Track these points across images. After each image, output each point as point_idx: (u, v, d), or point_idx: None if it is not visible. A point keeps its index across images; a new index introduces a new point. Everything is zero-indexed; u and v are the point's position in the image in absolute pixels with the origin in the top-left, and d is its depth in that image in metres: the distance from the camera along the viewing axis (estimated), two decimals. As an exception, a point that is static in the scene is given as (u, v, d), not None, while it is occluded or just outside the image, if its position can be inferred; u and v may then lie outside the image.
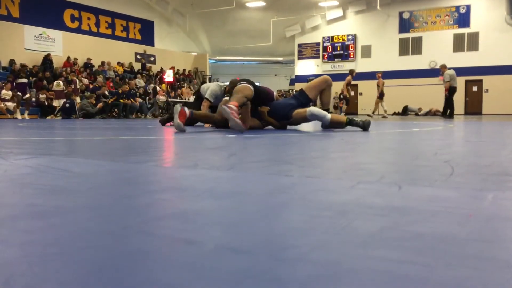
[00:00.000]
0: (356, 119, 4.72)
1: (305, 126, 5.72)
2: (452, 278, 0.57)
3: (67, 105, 14.38)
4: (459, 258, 0.65)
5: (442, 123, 7.89)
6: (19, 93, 14.27)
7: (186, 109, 4.51)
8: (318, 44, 26.81)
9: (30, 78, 16.09)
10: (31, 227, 0.84)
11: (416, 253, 0.68)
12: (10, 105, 13.55)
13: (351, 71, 14.46)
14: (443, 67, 13.27)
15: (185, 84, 21.81)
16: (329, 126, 4.78)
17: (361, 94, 24.73)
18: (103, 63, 19.48)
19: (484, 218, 0.91)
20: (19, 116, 13.42)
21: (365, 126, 4.57)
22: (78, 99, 15.09)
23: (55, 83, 15.66)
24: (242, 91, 4.71)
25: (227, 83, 5.79)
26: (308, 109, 4.77)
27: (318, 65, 26.75)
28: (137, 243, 0.73)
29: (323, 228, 0.82)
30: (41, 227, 0.84)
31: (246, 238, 0.77)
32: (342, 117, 4.81)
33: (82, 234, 0.79)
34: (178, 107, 4.54)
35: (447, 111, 13.10)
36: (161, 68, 22.41)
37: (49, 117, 14.26)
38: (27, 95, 14.59)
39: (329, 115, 4.69)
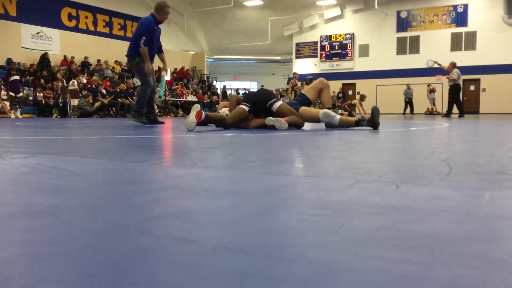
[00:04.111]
0: (365, 118, 4.78)
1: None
2: (449, 277, 0.57)
3: (61, 104, 14.40)
4: (457, 257, 0.65)
5: (439, 122, 7.90)
6: (11, 93, 14.20)
7: (203, 111, 4.65)
8: (316, 43, 26.83)
9: (27, 76, 16.05)
10: (29, 226, 0.84)
11: (413, 252, 0.68)
12: (6, 104, 13.51)
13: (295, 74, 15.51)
14: (453, 64, 13.19)
15: (180, 83, 21.75)
16: (338, 126, 4.84)
17: (358, 93, 24.80)
18: (99, 61, 19.42)
19: (482, 217, 0.91)
20: (13, 115, 13.37)
21: (374, 125, 4.62)
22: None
23: (70, 83, 15.76)
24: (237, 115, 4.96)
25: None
26: (322, 110, 4.87)
27: (316, 64, 26.78)
28: (135, 242, 0.73)
29: (321, 227, 0.83)
30: (39, 226, 0.84)
31: (244, 237, 0.77)
32: (351, 119, 4.87)
33: (80, 233, 0.79)
34: (198, 106, 4.70)
35: (462, 111, 13.11)
36: (158, 67, 22.38)
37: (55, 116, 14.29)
38: (21, 94, 14.51)
39: (338, 116, 4.81)
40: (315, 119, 4.95)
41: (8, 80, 14.62)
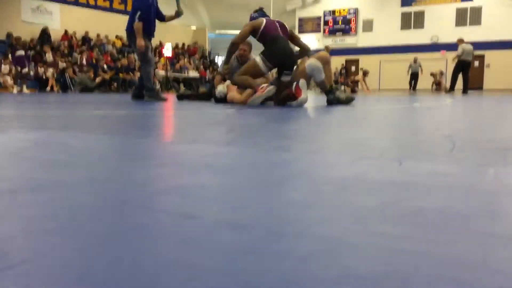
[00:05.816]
0: (338, 94, 4.89)
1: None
2: (453, 253, 0.57)
3: (61, 79, 14.38)
4: (460, 233, 0.65)
5: (443, 98, 7.85)
6: (19, 67, 14.18)
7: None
8: (319, 18, 26.45)
9: (28, 51, 15.93)
10: (30, 201, 0.84)
11: (417, 228, 0.67)
12: (8, 79, 13.45)
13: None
14: (460, 40, 13.13)
15: (185, 59, 21.57)
16: (319, 85, 4.92)
17: (361, 69, 24.61)
18: (99, 36, 19.22)
19: (485, 193, 0.90)
20: (15, 90, 13.33)
21: (338, 102, 4.77)
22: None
23: (78, 56, 15.82)
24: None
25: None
26: (309, 62, 4.73)
27: (319, 40, 26.45)
28: (137, 217, 0.73)
29: (323, 203, 0.82)
30: (40, 201, 0.84)
31: (245, 213, 0.76)
32: (329, 82, 4.87)
33: (81, 208, 0.79)
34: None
35: (454, 86, 13.13)
36: (160, 42, 22.16)
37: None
38: (26, 69, 14.48)
39: (323, 74, 4.73)
40: (304, 74, 4.76)
41: (14, 55, 14.53)
